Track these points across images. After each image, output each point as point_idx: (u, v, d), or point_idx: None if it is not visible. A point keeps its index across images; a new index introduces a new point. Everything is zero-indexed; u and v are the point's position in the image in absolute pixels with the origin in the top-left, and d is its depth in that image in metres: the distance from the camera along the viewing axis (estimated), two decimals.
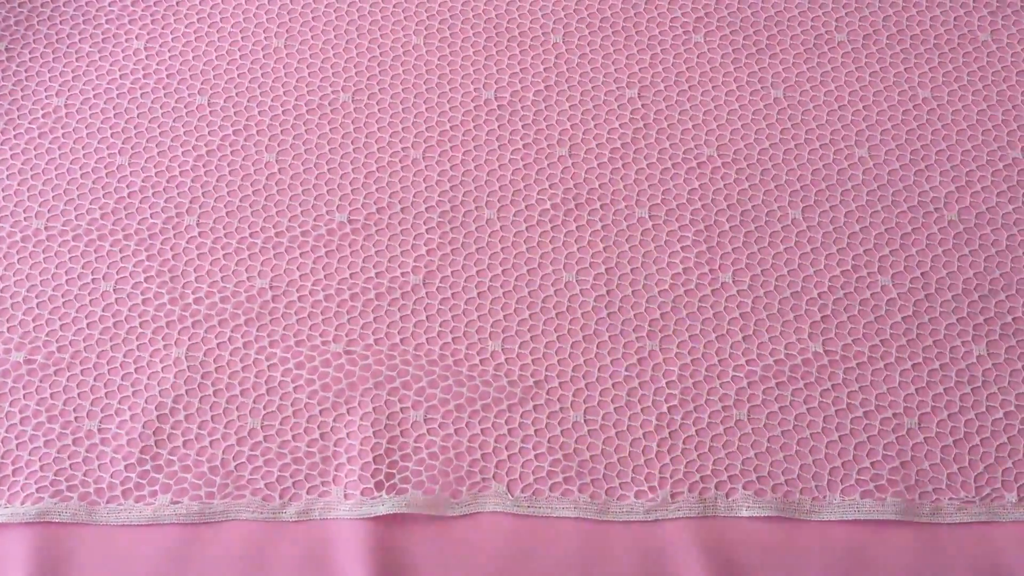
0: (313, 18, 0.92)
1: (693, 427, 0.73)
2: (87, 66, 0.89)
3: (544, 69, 0.89)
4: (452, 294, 0.79)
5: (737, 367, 0.75)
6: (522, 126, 0.86)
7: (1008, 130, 0.85)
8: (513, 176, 0.84)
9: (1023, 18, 0.91)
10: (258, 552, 0.69)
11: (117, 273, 0.79)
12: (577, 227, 0.81)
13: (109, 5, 0.93)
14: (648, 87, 0.88)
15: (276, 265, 0.80)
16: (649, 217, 0.82)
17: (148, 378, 0.75)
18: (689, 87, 0.88)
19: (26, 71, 0.89)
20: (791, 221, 0.81)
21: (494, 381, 0.75)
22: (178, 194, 0.83)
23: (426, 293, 0.78)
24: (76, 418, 0.73)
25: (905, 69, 0.89)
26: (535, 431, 0.73)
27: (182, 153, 0.85)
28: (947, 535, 0.70)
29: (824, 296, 0.78)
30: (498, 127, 0.86)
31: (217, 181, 0.83)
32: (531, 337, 0.77)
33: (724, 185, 0.83)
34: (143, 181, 0.83)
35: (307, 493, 0.71)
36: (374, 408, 0.74)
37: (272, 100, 0.88)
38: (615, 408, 0.74)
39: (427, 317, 0.77)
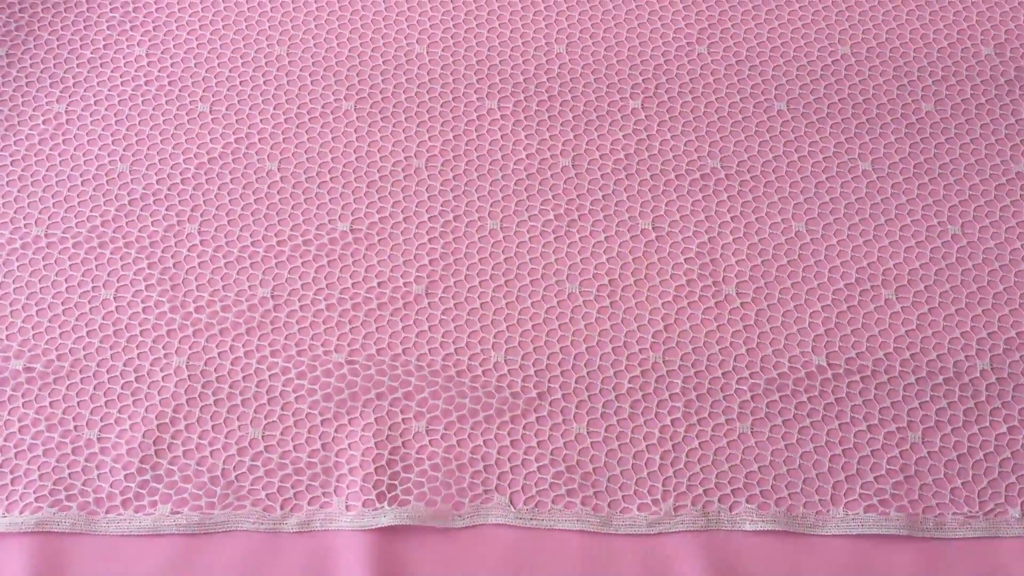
0: (316, 26, 0.92)
1: (696, 440, 0.73)
2: (88, 72, 0.89)
3: (547, 80, 0.89)
4: (455, 304, 0.78)
5: (740, 380, 0.75)
6: (525, 136, 0.86)
7: (1011, 144, 0.86)
8: (516, 187, 0.84)
9: None
10: (258, 563, 0.68)
11: (117, 281, 0.79)
12: (580, 238, 0.81)
13: (111, 11, 0.93)
14: (651, 98, 0.88)
15: (278, 274, 0.79)
16: (652, 228, 0.82)
17: (148, 387, 0.74)
18: (692, 98, 0.88)
19: (27, 77, 0.89)
20: (795, 234, 0.81)
21: (497, 392, 0.74)
22: (179, 202, 0.82)
23: (428, 303, 0.78)
24: (76, 427, 0.73)
25: (908, 82, 0.89)
26: (538, 443, 0.73)
27: (184, 160, 0.84)
28: (950, 550, 0.69)
29: (828, 309, 0.78)
30: (501, 137, 0.86)
31: (219, 189, 0.83)
32: (534, 348, 0.76)
33: (728, 197, 0.83)
34: (144, 188, 0.83)
35: (308, 504, 0.70)
36: (376, 419, 0.73)
37: (274, 108, 0.87)
38: (618, 420, 0.73)
39: (429, 327, 0.77)
